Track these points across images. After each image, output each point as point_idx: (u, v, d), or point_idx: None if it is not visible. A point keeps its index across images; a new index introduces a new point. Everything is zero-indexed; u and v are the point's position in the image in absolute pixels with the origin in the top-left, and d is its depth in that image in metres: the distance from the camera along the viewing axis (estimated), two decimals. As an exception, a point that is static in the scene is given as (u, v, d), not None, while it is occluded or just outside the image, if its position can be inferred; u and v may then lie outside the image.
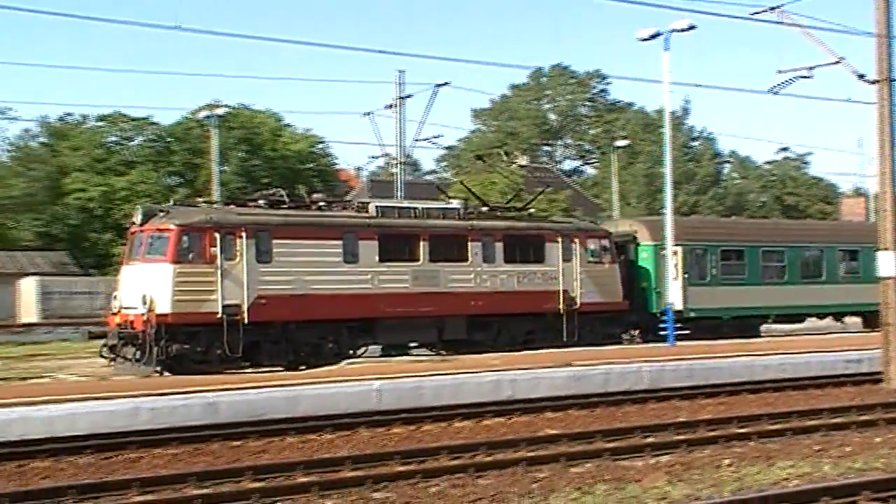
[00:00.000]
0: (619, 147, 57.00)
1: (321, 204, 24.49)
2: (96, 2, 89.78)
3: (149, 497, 9.84)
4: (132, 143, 59.80)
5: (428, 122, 38.22)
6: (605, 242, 26.38)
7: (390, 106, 34.81)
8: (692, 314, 26.58)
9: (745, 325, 28.05)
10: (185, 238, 21.02)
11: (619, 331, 26.58)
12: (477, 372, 17.78)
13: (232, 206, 23.52)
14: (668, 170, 26.35)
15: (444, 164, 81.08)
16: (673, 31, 24.99)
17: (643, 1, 20.61)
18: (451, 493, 10.06)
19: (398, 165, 35.44)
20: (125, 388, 15.79)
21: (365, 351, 23.58)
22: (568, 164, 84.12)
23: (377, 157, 45.06)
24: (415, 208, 25.00)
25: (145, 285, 20.63)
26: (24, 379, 21.21)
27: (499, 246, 24.83)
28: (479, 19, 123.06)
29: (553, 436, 13.35)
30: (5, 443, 12.60)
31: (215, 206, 24.69)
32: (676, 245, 25.80)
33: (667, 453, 11.98)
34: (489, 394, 16.95)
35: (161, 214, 21.52)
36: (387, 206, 24.72)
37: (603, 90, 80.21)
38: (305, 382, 16.67)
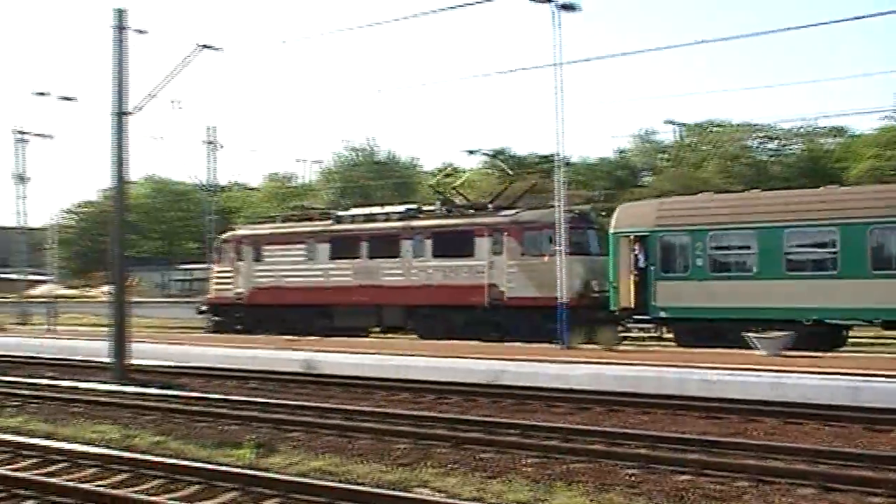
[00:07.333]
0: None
1: (311, 216, 31.28)
2: None
3: None
4: None
5: None
6: (550, 234, 23.49)
7: None
8: (662, 314, 23.02)
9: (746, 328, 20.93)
10: (218, 244, 32.12)
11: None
12: None
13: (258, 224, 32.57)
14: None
15: None
16: None
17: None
18: None
19: None
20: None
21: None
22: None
23: None
24: (363, 214, 28.86)
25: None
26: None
27: (428, 242, 26.19)
28: None
29: None
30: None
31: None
32: (629, 231, 23.69)
33: None
34: None
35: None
36: (342, 214, 29.74)
37: None
38: None
